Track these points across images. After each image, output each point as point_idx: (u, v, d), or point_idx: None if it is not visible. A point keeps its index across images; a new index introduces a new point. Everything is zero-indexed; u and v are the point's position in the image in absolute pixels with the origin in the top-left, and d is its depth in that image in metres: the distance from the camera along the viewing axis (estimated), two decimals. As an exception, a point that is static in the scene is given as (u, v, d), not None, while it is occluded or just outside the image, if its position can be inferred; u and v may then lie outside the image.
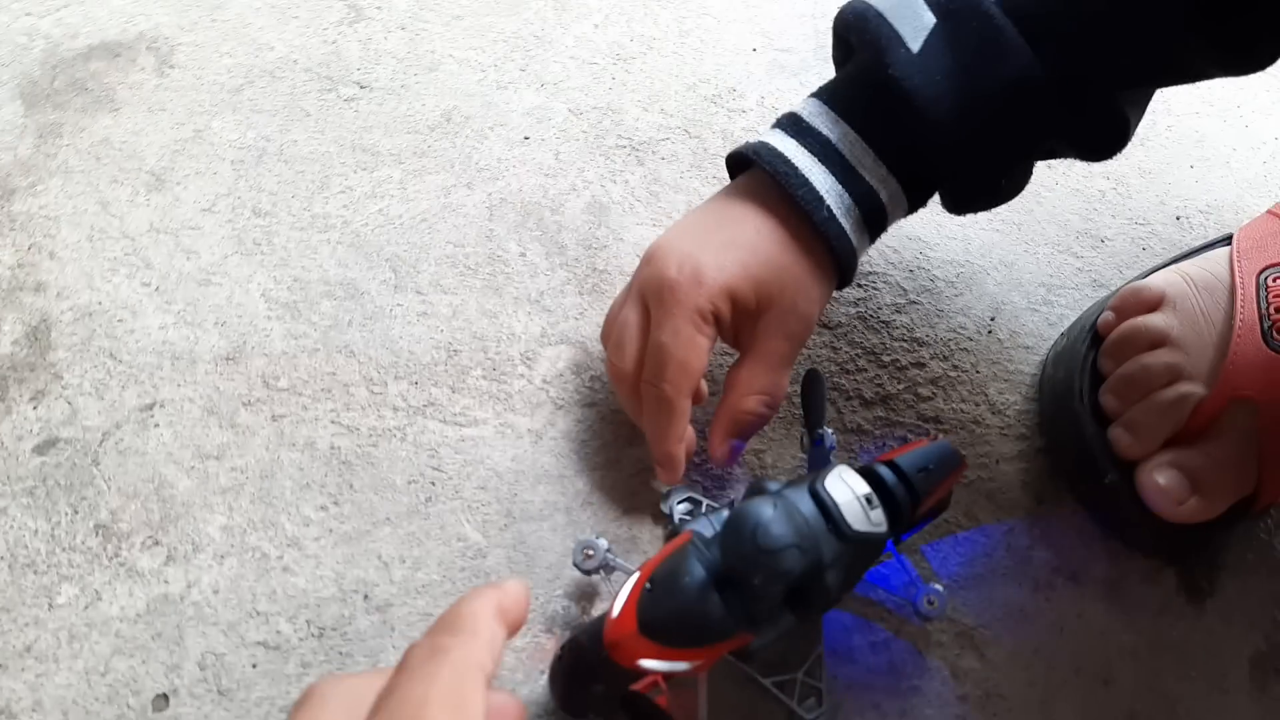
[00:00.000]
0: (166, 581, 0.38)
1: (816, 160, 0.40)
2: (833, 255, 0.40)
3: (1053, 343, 0.50)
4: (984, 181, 0.42)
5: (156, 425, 0.42)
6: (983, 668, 0.41)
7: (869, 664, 0.40)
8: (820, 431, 0.41)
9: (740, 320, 0.40)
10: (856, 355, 0.49)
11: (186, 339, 0.44)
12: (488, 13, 0.59)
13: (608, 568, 0.37)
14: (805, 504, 0.30)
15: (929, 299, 0.52)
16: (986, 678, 0.40)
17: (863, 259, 0.45)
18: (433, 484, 0.42)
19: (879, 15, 0.39)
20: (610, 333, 0.41)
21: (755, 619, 0.29)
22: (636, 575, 0.30)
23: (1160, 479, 0.41)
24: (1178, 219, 0.57)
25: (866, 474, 0.33)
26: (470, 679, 0.24)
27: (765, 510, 0.28)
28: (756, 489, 0.32)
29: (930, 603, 0.38)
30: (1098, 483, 0.44)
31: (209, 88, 0.53)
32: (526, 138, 0.55)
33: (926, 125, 0.38)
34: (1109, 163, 0.59)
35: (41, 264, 0.46)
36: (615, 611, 0.29)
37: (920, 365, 0.49)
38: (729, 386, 0.40)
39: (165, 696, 0.35)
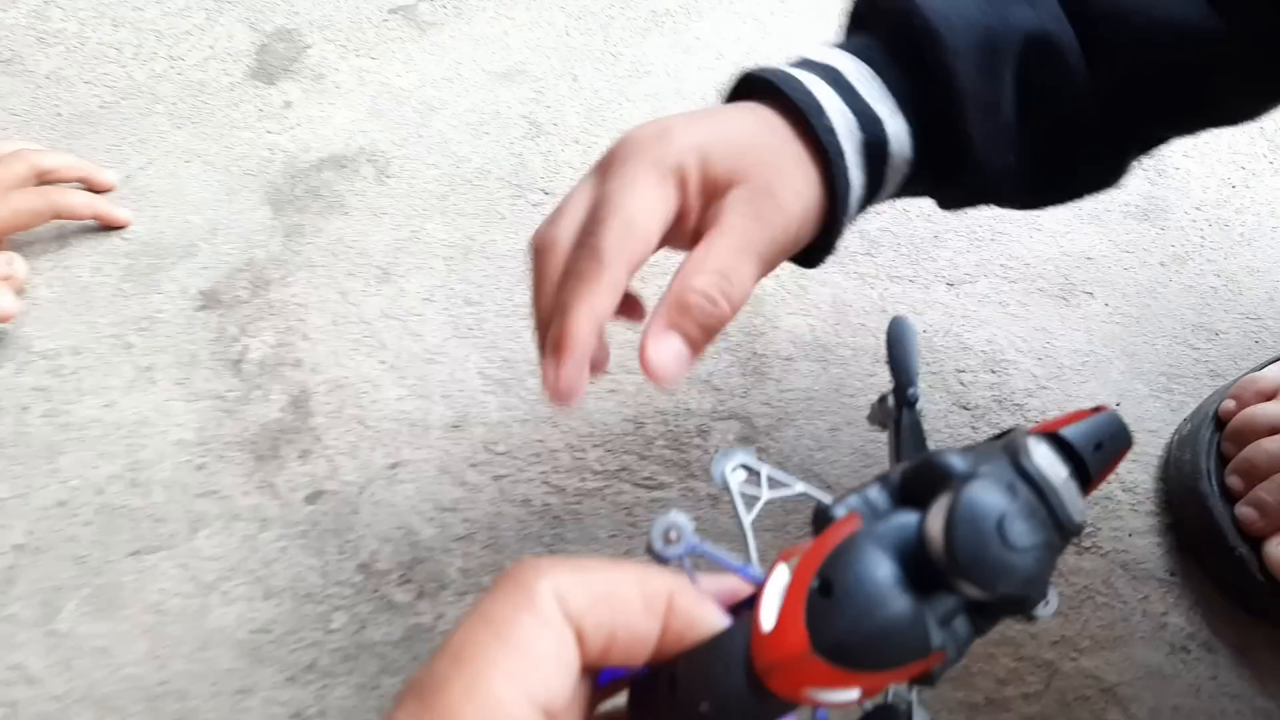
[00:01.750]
0: (419, 613, 0.45)
1: (821, 80, 0.35)
2: (826, 173, 0.34)
3: (1176, 427, 0.55)
4: (1000, 140, 0.36)
5: (401, 481, 0.49)
6: (1127, 721, 0.45)
7: (1024, 713, 0.45)
8: (913, 391, 0.36)
9: (708, 198, 0.32)
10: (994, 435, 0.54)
11: (419, 409, 0.52)
12: (651, 128, 0.68)
13: (693, 556, 0.26)
14: (1021, 489, 0.22)
15: (1058, 384, 0.57)
16: (1131, 730, 0.45)
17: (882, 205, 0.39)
18: (630, 538, 0.48)
19: None
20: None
21: (968, 636, 0.22)
22: (784, 575, 0.22)
23: (1287, 553, 0.46)
24: (1287, 314, 0.62)
25: None
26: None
27: (1003, 499, 0.21)
28: (938, 466, 0.23)
29: None
30: (1227, 556, 0.48)
31: (420, 194, 0.63)
32: (690, 237, 0.63)
33: (946, 62, 0.34)
34: (1219, 261, 0.65)
35: (297, 344, 0.54)
36: (769, 622, 0.21)
37: (1053, 445, 0.54)
38: (678, 271, 0.31)
39: (427, 710, 0.42)
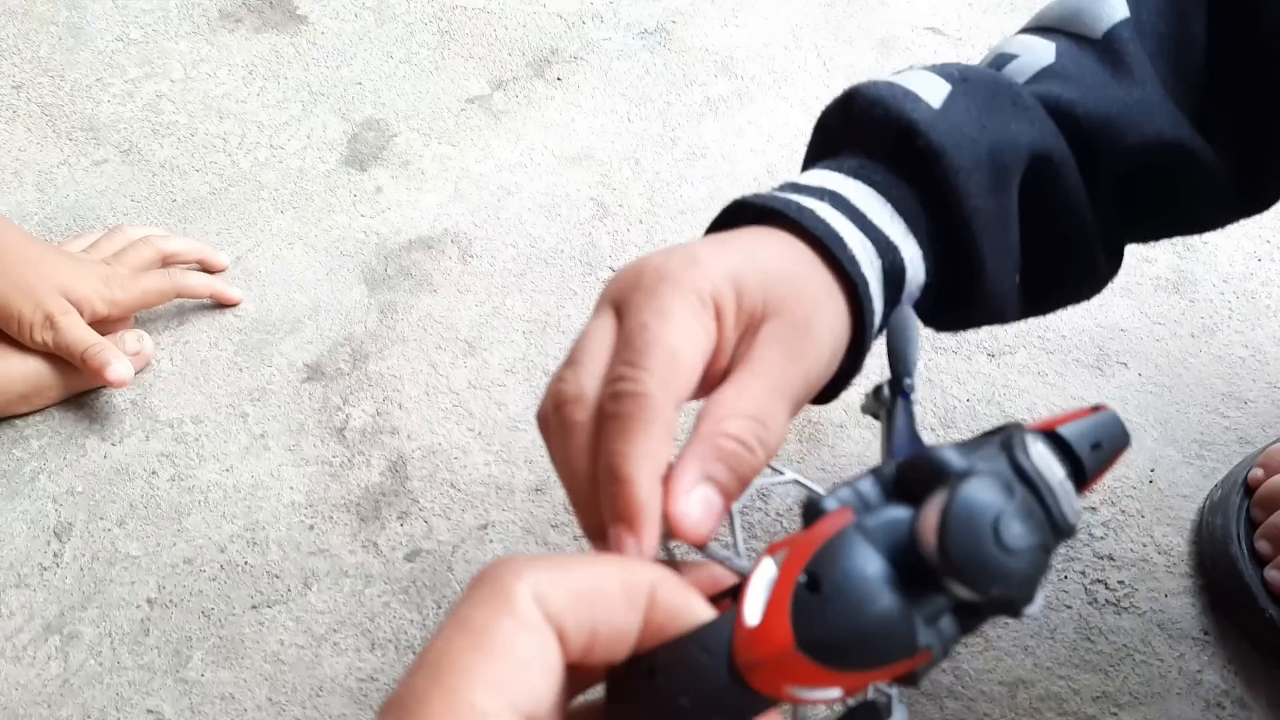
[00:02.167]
0: (513, 664, 0.49)
1: (829, 206, 0.33)
2: (854, 306, 0.32)
3: (1208, 493, 0.59)
4: (1008, 259, 0.36)
5: (491, 541, 0.54)
6: (1166, 773, 0.48)
7: (1068, 763, 0.48)
8: (909, 382, 0.34)
9: (742, 331, 0.29)
10: (1035, 499, 0.58)
11: (505, 473, 0.57)
12: (706, 209, 0.74)
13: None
14: (1018, 488, 0.21)
15: (1094, 452, 0.61)
16: (1170, 782, 0.48)
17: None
18: (700, 596, 0.53)
19: (887, 83, 0.35)
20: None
21: (954, 635, 0.22)
22: (770, 568, 0.22)
23: (1315, 615, 0.49)
24: (1314, 384, 0.65)
25: None
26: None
27: (1000, 498, 0.20)
28: (934, 461, 0.22)
29: None
30: (1258, 617, 0.51)
31: (500, 272, 0.68)
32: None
33: (955, 181, 0.33)
34: (1246, 332, 0.69)
35: (394, 413, 0.60)
36: (753, 617, 0.21)
37: (1092, 509, 0.58)
38: (704, 412, 0.28)
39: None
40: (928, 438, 0.61)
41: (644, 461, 0.25)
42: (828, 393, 0.34)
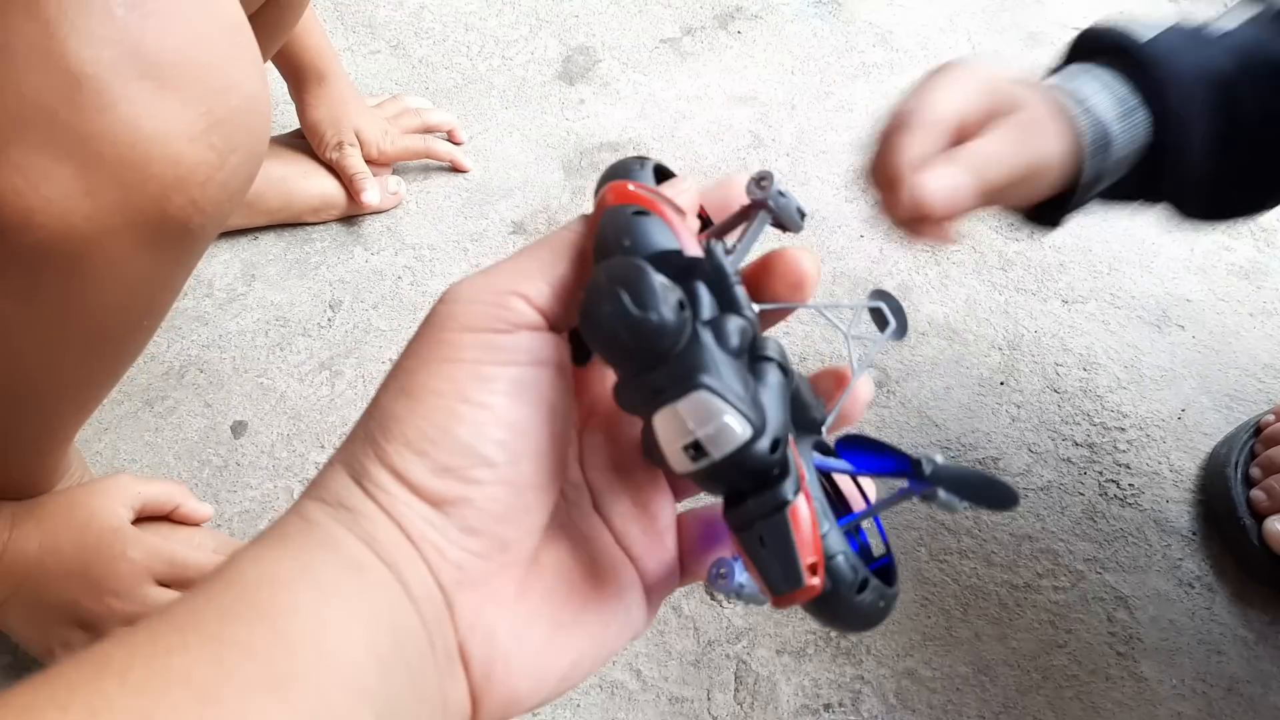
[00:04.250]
0: None
1: (1067, 96, 0.46)
2: (1074, 148, 0.45)
3: (1225, 434, 0.70)
4: (1203, 154, 0.47)
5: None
6: (1130, 620, 0.61)
7: (1052, 599, 0.62)
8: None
9: (989, 111, 0.43)
10: (1075, 414, 0.71)
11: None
12: (846, 154, 0.88)
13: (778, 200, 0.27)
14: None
15: (1137, 387, 0.73)
16: (1133, 626, 0.61)
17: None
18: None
19: (1116, 28, 0.49)
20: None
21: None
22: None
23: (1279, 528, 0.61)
24: (1352, 370, 0.75)
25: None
26: None
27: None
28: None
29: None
30: (1236, 525, 0.63)
31: (668, 177, 0.85)
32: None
33: (1169, 85, 0.46)
34: (1303, 321, 0.78)
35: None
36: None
37: (1122, 430, 0.70)
38: (955, 147, 0.42)
39: None
40: (994, 356, 0.75)
41: (904, 149, 0.41)
42: (1050, 213, 0.48)
